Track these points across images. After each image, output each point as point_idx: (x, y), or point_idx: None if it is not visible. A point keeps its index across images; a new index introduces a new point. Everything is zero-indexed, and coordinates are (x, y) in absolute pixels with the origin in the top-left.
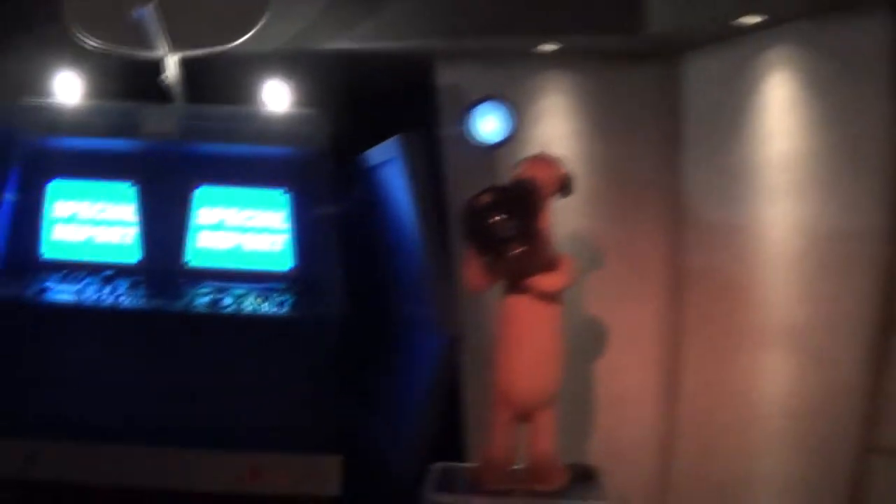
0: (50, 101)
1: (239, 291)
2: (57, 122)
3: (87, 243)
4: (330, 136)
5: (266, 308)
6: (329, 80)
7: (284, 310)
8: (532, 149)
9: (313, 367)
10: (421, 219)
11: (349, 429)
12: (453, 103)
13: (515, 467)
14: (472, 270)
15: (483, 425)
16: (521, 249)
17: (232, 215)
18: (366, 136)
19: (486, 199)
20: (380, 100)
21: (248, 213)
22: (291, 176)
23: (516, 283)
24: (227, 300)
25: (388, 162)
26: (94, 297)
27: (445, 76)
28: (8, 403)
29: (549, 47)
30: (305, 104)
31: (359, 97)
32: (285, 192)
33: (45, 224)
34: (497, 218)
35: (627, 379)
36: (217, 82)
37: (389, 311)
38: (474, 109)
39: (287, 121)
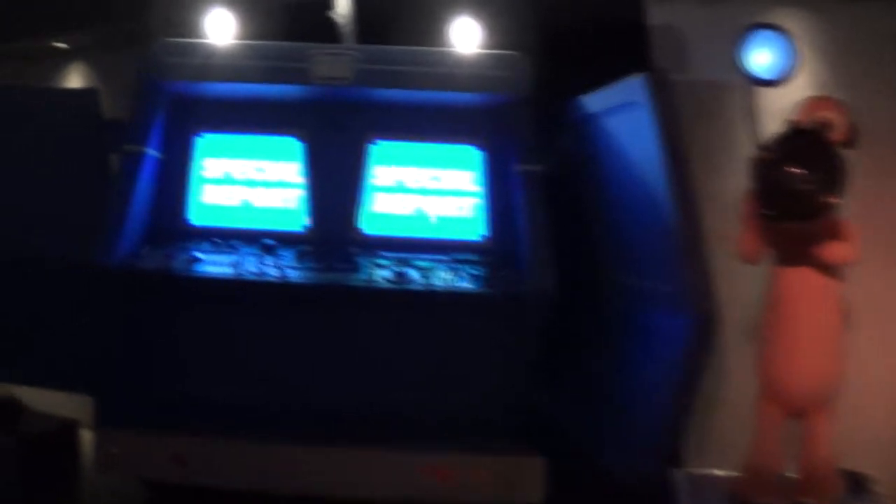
0: (200, 41)
1: (423, 263)
2: (207, 66)
3: (243, 208)
4: (532, 81)
5: (457, 283)
6: (526, 19)
7: (479, 285)
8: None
9: (514, 352)
10: (672, 175)
11: (555, 426)
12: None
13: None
14: (749, 235)
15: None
16: (832, 199)
17: (413, 175)
18: (569, 81)
19: (779, 147)
20: (585, 41)
21: (432, 172)
22: (485, 128)
23: (801, 252)
24: (413, 274)
25: (618, 108)
26: (255, 269)
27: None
28: (153, 393)
29: None
30: (499, 45)
31: (560, 37)
32: (477, 148)
33: (193, 185)
34: (794, 169)
35: (873, 368)
36: (396, 20)
37: (608, 286)
38: (744, 41)
39: (480, 64)
